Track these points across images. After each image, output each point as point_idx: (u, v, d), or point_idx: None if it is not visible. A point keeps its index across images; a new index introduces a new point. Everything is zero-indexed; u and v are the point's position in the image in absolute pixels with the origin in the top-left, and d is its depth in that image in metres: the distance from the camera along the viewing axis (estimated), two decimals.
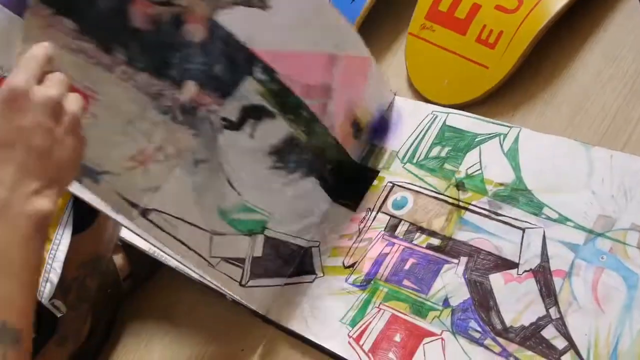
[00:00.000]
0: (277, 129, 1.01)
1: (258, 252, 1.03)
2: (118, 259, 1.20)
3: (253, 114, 0.98)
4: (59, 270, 0.97)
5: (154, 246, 0.98)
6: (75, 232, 1.00)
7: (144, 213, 0.91)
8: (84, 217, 1.01)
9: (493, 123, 1.03)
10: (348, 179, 1.10)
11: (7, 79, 0.74)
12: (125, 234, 1.16)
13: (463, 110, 1.08)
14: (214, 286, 1.03)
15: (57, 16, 0.82)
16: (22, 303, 0.70)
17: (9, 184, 0.70)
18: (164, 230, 0.93)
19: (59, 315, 1.00)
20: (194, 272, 1.02)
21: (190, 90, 0.92)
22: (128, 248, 1.19)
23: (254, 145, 0.99)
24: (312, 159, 1.06)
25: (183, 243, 0.95)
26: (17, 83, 0.72)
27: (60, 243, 0.98)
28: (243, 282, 1.02)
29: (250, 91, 0.96)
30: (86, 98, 0.84)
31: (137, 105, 0.89)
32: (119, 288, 1.20)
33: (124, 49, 0.87)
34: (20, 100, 0.72)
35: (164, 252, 0.99)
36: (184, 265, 1.00)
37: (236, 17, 0.93)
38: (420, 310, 0.94)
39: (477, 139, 1.03)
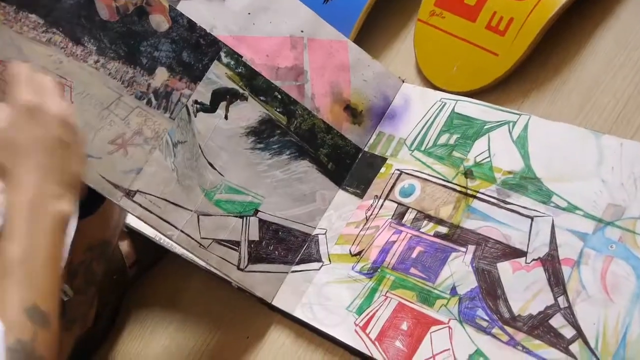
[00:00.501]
0: (250, 111, 1.05)
1: (254, 235, 1.04)
2: (124, 246, 1.20)
3: (225, 96, 1.03)
4: (66, 254, 0.97)
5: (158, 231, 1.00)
6: (81, 216, 1.00)
7: (129, 194, 0.97)
8: (90, 202, 1.01)
9: (502, 110, 1.02)
10: (352, 165, 1.10)
11: (16, 95, 0.84)
12: (131, 220, 1.15)
13: (472, 98, 1.07)
14: (218, 273, 1.03)
15: (21, 11, 0.92)
16: (50, 289, 0.80)
17: (36, 189, 0.81)
18: (150, 211, 0.98)
19: (65, 299, 0.99)
20: (197, 258, 1.02)
21: (161, 76, 0.99)
22: (134, 235, 1.19)
23: (230, 127, 1.04)
24: (299, 141, 1.07)
25: (170, 223, 0.99)
26: (30, 98, 0.83)
27: (67, 227, 0.97)
28: (241, 266, 1.03)
29: (219, 75, 1.02)
30: (61, 87, 0.92)
31: (112, 92, 0.96)
32: (124, 274, 1.20)
33: (93, 40, 0.96)
34: (37, 114, 0.83)
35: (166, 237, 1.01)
36: (183, 248, 1.01)
37: (196, 5, 1.01)
38: (428, 298, 0.93)
39: (485, 127, 1.02)
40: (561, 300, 0.84)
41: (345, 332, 0.96)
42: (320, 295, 1.02)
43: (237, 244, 1.03)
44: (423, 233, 0.99)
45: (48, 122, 0.83)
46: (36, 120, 0.83)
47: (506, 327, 0.86)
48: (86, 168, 0.89)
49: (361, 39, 1.19)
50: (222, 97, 1.03)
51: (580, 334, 0.81)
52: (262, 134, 1.05)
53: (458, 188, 0.99)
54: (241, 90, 1.04)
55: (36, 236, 0.80)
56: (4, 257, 0.79)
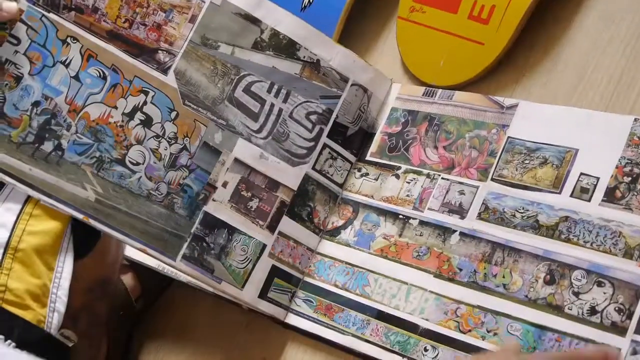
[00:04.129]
0: None
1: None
2: (127, 279, 1.17)
3: None
4: (65, 299, 0.94)
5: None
6: (77, 258, 0.98)
7: None
8: (84, 241, 0.98)
9: None
10: None
11: None
12: (131, 253, 1.13)
13: (463, 89, 1.05)
14: (228, 296, 1.01)
15: None
16: None
17: None
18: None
19: (69, 345, 0.97)
20: (205, 284, 1.00)
21: None
22: (137, 267, 1.17)
23: None
24: None
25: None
26: None
27: (63, 270, 0.95)
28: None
29: None
30: None
31: None
32: (131, 309, 1.17)
33: None
34: None
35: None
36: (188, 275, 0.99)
37: None
38: None
39: None
40: None
41: None
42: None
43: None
44: None
45: None
46: None
47: None
48: None
49: (343, 45, 1.17)
50: None
51: None
52: None
53: None
54: None
55: None
56: None
